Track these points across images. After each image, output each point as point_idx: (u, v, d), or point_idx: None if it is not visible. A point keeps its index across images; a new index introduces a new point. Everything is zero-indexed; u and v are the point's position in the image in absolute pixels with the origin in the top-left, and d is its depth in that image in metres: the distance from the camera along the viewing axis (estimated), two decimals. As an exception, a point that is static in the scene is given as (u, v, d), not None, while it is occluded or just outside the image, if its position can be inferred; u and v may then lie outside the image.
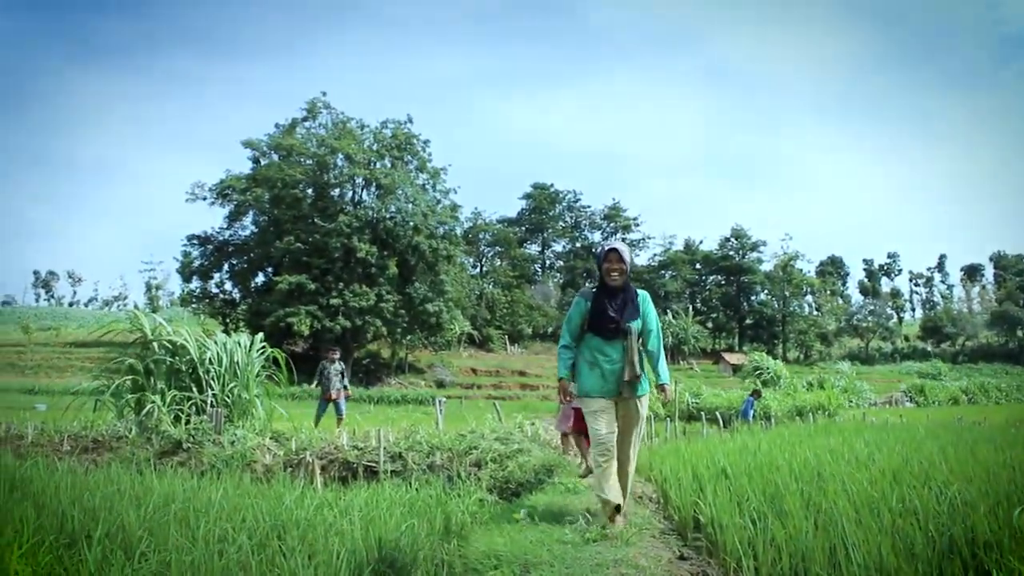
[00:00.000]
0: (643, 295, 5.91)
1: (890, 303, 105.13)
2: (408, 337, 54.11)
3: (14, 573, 4.47)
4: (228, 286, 57.14)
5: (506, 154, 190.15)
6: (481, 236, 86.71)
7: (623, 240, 78.96)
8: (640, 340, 5.75)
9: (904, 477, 4.80)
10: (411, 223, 52.00)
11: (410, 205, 53.16)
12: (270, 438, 10.00)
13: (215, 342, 11.58)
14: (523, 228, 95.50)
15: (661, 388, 5.83)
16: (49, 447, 10.17)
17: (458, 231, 62.21)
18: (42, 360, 54.49)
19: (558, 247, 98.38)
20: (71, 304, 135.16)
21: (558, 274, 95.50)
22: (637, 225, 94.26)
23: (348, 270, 50.47)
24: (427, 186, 56.79)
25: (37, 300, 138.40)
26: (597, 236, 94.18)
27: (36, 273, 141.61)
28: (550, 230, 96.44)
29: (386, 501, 7.28)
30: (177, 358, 11.41)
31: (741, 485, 5.72)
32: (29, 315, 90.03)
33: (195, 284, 56.69)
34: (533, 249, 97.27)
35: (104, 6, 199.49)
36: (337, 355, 16.41)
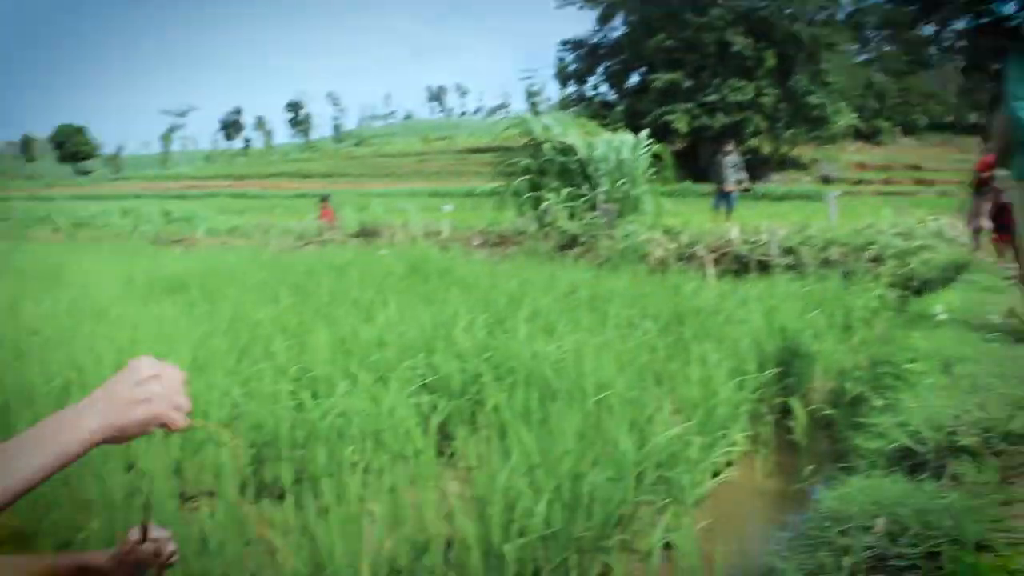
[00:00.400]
0: None
1: None
2: (790, 131, 51.69)
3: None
4: (603, 88, 57.84)
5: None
6: (867, 19, 78.78)
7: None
8: None
9: None
10: (787, 10, 48.50)
11: (788, -9, 49.44)
12: (661, 232, 10.19)
13: (602, 141, 11.85)
14: (915, 6, 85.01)
15: None
16: (462, 240, 11.23)
17: (839, 16, 56.98)
18: (442, 166, 59.71)
19: (958, 25, 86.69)
20: (461, 114, 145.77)
21: (957, 56, 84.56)
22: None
23: (723, 65, 48.69)
24: (805, -32, 52.25)
25: (431, 113, 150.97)
26: (1010, 7, 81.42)
27: (428, 88, 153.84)
28: (949, 5, 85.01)
29: (781, 293, 7.19)
30: (567, 158, 11.87)
31: None
32: (427, 127, 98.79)
33: (571, 88, 58.02)
34: (927, 30, 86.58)
35: None
36: (731, 147, 15.87)
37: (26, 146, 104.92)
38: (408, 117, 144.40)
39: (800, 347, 5.43)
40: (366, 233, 13.02)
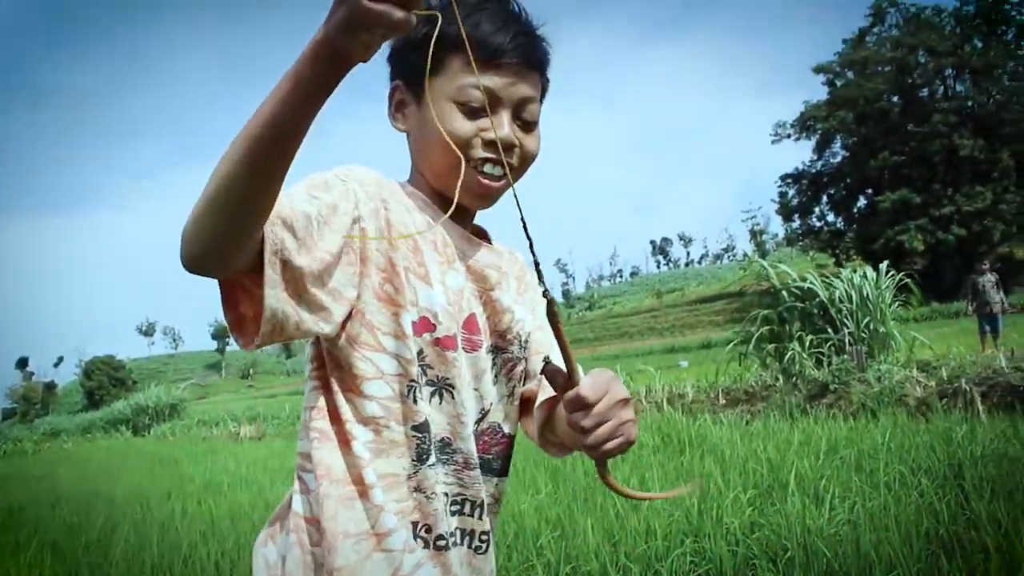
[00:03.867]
0: None
1: None
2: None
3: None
4: (830, 217, 56.58)
5: None
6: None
7: None
8: None
9: None
10: (1020, 103, 45.88)
11: (1015, 84, 46.95)
12: (916, 368, 9.62)
13: (841, 279, 11.53)
14: None
15: None
16: (708, 402, 11.08)
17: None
18: (675, 320, 59.70)
19: None
20: (687, 264, 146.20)
21: None
22: None
23: (954, 172, 46.36)
24: (1034, 55, 49.62)
25: (658, 266, 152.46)
26: None
27: (652, 242, 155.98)
28: None
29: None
30: (807, 302, 11.61)
31: None
32: (655, 281, 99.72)
33: (796, 222, 57.15)
34: None
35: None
36: (987, 266, 15.29)
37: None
38: (635, 273, 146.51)
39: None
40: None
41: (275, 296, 1.04)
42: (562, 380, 1.17)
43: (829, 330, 11.15)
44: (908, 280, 12.15)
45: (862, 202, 53.71)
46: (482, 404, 1.37)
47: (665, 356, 39.79)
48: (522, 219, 1.11)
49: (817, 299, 11.45)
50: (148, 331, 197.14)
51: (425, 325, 1.26)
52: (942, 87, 50.71)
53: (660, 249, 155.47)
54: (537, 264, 1.16)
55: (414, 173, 1.41)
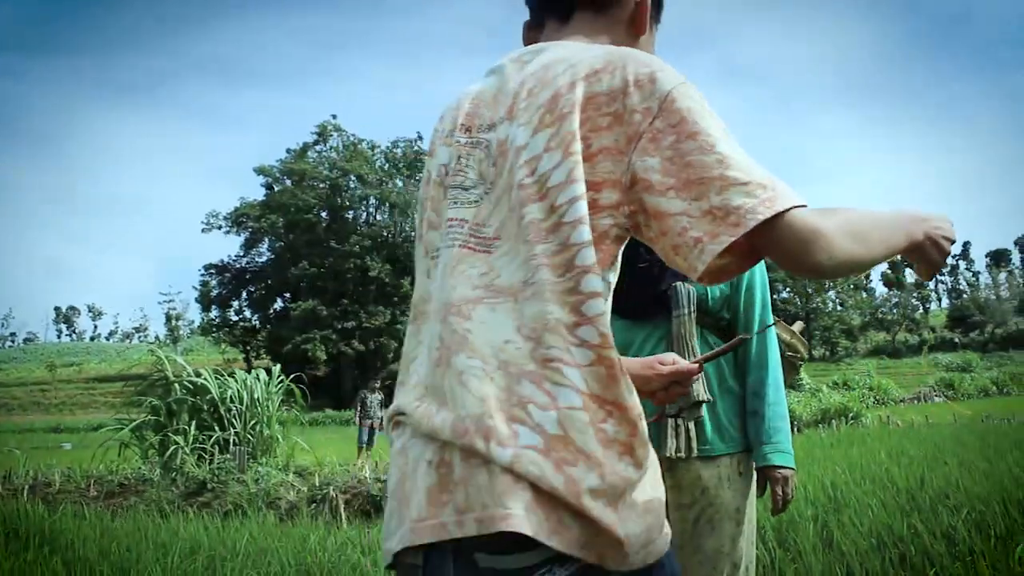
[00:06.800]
0: None
1: (915, 294, 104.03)
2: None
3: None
4: (247, 313, 57.53)
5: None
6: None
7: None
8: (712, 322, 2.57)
9: (921, 499, 4.79)
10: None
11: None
12: (293, 473, 10.06)
13: (235, 380, 11.67)
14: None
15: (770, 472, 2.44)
16: (76, 493, 10.27)
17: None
18: (66, 397, 54.95)
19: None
20: (92, 339, 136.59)
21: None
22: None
23: (363, 291, 50.69)
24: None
25: (59, 336, 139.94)
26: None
27: (57, 309, 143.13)
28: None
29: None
30: (199, 397, 11.52)
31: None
32: (52, 352, 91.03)
33: (214, 313, 57.09)
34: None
35: (118, 43, 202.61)
36: (378, 384, 17.26)
37: None
38: (30, 340, 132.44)
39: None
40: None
41: None
42: None
43: (217, 428, 11.17)
44: (296, 387, 12.71)
45: (279, 304, 55.67)
46: None
47: (48, 435, 36.29)
48: None
49: (209, 395, 11.44)
50: None
51: None
52: (365, 213, 55.61)
53: (65, 317, 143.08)
54: None
55: None
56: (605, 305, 1.16)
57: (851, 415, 21.20)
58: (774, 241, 1.13)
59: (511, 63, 1.34)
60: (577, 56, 1.24)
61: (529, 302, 1.15)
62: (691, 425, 2.40)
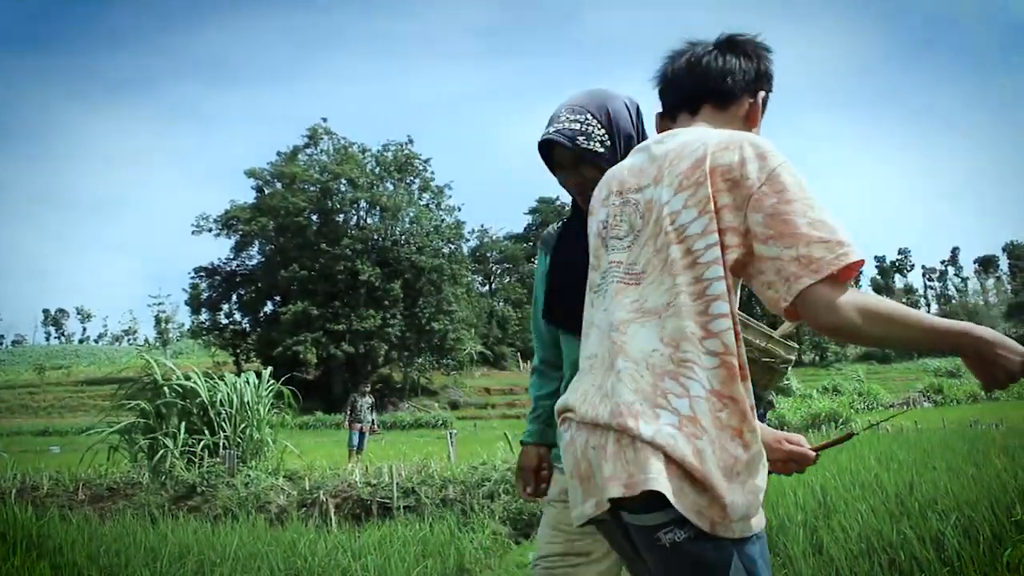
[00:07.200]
0: None
1: (904, 299, 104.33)
2: (418, 359, 53.96)
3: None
4: (237, 316, 57.25)
5: (510, 168, 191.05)
6: (489, 254, 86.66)
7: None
8: None
9: (910, 504, 4.81)
10: (415, 243, 52.07)
11: (414, 225, 53.34)
12: (283, 477, 10.03)
13: (225, 383, 11.63)
14: (530, 243, 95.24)
15: None
16: (64, 497, 10.22)
17: (464, 249, 62.25)
18: (55, 400, 54.61)
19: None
20: (81, 341, 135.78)
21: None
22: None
23: (353, 294, 50.50)
24: (431, 205, 56.83)
25: (48, 339, 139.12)
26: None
27: (46, 311, 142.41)
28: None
29: (399, 540, 7.28)
30: (188, 401, 11.48)
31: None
32: (40, 354, 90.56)
33: (204, 316, 56.69)
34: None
35: (107, 42, 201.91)
36: (368, 388, 17.15)
37: None
38: (18, 342, 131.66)
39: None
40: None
41: None
42: None
43: (206, 431, 11.13)
44: (287, 389, 12.65)
45: (269, 307, 55.38)
46: None
47: (36, 439, 36.10)
48: None
49: (198, 399, 11.40)
50: None
51: None
52: (355, 216, 55.44)
53: (54, 320, 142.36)
54: None
55: None
56: (728, 323, 1.56)
57: (842, 420, 21.28)
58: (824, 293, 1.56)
59: (654, 144, 1.77)
60: (707, 137, 1.66)
61: (671, 319, 1.57)
62: None
